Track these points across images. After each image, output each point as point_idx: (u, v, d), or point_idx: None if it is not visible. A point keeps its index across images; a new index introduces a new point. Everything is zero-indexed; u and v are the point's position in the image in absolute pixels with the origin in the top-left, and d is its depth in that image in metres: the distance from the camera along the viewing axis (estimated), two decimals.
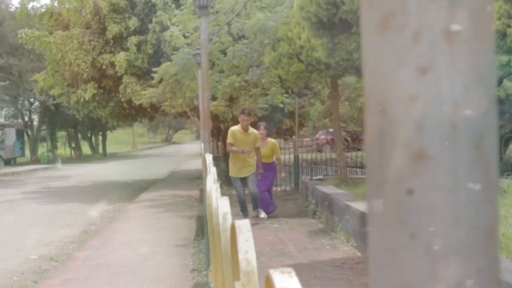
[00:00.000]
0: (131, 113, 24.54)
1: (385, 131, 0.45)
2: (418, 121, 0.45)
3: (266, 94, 18.69)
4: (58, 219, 15.48)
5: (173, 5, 20.91)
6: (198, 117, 16.05)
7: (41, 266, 10.12)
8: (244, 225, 1.94)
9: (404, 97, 0.45)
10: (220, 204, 2.47)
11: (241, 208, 13.15)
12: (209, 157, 5.87)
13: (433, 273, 0.44)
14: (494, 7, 0.45)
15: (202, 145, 11.30)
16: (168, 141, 78.33)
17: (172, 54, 17.75)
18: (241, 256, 1.76)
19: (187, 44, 17.46)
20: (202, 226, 10.23)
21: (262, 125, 14.49)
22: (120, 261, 10.03)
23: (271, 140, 15.02)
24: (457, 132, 0.45)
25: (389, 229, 0.45)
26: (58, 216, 16.03)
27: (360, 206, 10.04)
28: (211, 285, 3.67)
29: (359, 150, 23.67)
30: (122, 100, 22.02)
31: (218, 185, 2.95)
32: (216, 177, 4.52)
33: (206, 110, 6.61)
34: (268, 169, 14.14)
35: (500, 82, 17.46)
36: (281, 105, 20.00)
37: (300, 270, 8.73)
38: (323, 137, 35.26)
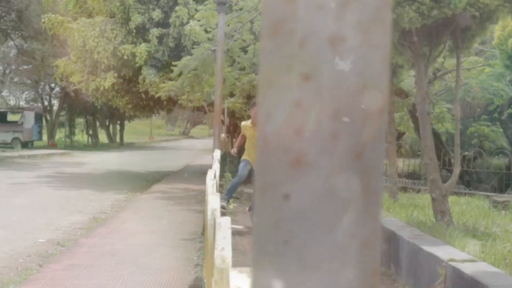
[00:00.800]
0: (149, 104, 24.65)
1: (269, 135, 0.45)
2: (298, 127, 0.45)
3: None
4: (69, 205, 15.55)
5: (193, 1, 20.97)
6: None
7: (48, 250, 10.16)
8: (224, 222, 1.94)
9: (287, 103, 0.45)
10: (210, 200, 2.48)
11: (230, 189, 12.15)
12: (216, 153, 5.92)
13: (304, 280, 0.44)
14: (389, 17, 0.45)
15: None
16: (185, 134, 78.42)
17: (193, 48, 17.80)
18: (217, 252, 1.77)
19: (208, 39, 17.51)
20: None
21: None
22: (125, 250, 10.06)
23: None
24: (336, 140, 0.45)
25: (267, 233, 0.45)
26: (69, 202, 16.10)
27: None
28: (205, 280, 3.68)
29: None
30: (141, 90, 22.12)
31: (215, 181, 2.97)
32: (218, 173, 4.54)
33: (219, 107, 6.62)
34: None
35: None
36: None
37: None
38: None
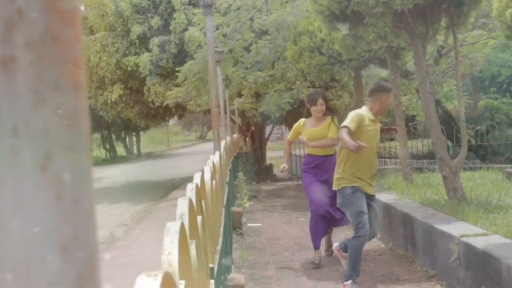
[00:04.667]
0: (159, 113, 24.73)
1: None
2: None
3: (292, 89, 18.69)
4: None
5: (191, 6, 21.04)
6: (225, 112, 16.06)
7: None
8: (173, 227, 1.97)
9: None
10: (179, 204, 2.51)
11: (356, 263, 7.32)
12: (215, 157, 5.96)
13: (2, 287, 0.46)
14: (68, 35, 0.47)
15: (224, 141, 11.33)
16: (202, 138, 78.52)
17: (195, 52, 17.87)
18: (163, 257, 1.80)
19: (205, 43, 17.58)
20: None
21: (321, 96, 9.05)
22: (144, 260, 10.13)
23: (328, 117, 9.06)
24: (18, 154, 0.47)
25: None
26: None
27: (384, 197, 10.00)
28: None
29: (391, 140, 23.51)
30: (148, 100, 22.24)
31: (195, 185, 2.97)
32: (210, 175, 4.58)
33: (215, 108, 6.65)
34: (330, 167, 8.37)
35: None
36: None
37: (322, 263, 8.74)
38: None
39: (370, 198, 7.52)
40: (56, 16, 0.48)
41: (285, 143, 9.58)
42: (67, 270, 0.48)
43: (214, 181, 4.97)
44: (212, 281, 3.43)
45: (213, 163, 5.51)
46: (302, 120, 9.15)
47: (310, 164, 8.91)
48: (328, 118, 8.89)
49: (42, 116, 0.48)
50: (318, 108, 8.79)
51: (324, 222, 8.70)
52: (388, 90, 7.57)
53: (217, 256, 4.48)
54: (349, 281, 7.25)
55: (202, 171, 4.10)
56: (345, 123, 7.12)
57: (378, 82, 7.90)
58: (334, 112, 9.23)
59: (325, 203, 8.61)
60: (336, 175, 7.49)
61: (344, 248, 7.67)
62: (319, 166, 8.83)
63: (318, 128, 8.84)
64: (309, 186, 8.83)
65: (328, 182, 8.42)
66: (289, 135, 9.49)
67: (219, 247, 4.88)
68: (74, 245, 0.48)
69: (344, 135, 6.95)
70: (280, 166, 9.42)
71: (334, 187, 7.51)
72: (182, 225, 1.99)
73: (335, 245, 8.18)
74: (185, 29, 20.24)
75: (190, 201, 2.47)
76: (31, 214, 0.48)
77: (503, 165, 13.83)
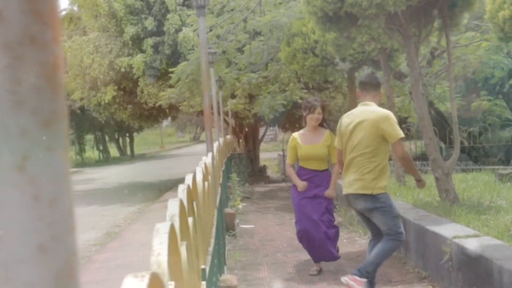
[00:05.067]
0: (153, 114, 24.69)
1: None
2: None
3: (285, 90, 18.69)
4: (82, 222, 15.58)
5: (185, 7, 21.02)
6: (219, 113, 16.04)
7: None
8: (163, 228, 1.97)
9: None
10: (169, 206, 2.51)
11: (380, 264, 6.97)
12: (207, 158, 5.96)
13: None
14: (46, 34, 0.48)
15: (217, 142, 11.32)
16: (196, 140, 78.37)
17: (189, 53, 17.86)
18: (153, 258, 1.80)
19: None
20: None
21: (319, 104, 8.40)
22: (138, 262, 10.10)
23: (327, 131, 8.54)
24: None
25: None
26: (82, 219, 16.11)
27: None
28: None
29: None
30: (142, 101, 22.21)
31: (186, 186, 2.97)
32: (202, 176, 4.59)
33: (208, 109, 6.65)
34: (322, 182, 8.39)
35: None
36: (301, 101, 19.95)
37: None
38: None
39: None
40: (34, 16, 0.48)
41: (286, 168, 9.05)
42: (45, 271, 0.48)
43: (206, 183, 4.97)
44: (203, 282, 3.43)
45: (205, 164, 5.50)
46: (294, 136, 8.60)
47: (301, 177, 8.35)
48: (327, 133, 8.34)
49: (20, 117, 0.48)
50: (315, 116, 8.19)
51: (313, 237, 8.20)
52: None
53: (209, 257, 4.48)
54: (365, 280, 6.64)
55: (194, 173, 4.10)
56: (400, 132, 6.69)
57: (373, 75, 7.33)
58: (330, 125, 8.66)
59: (311, 223, 8.20)
60: (368, 177, 6.79)
61: (359, 274, 6.68)
62: (310, 180, 8.30)
63: (316, 145, 8.28)
64: (296, 205, 8.41)
65: (318, 197, 8.23)
66: (288, 158, 8.78)
67: (211, 248, 4.88)
68: (52, 246, 0.48)
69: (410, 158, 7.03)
70: (299, 186, 8.30)
71: (367, 191, 6.78)
72: (172, 226, 1.99)
73: (344, 279, 6.80)
74: (179, 30, 20.22)
75: (181, 203, 2.47)
76: (8, 214, 0.48)
77: (496, 167, 13.87)
